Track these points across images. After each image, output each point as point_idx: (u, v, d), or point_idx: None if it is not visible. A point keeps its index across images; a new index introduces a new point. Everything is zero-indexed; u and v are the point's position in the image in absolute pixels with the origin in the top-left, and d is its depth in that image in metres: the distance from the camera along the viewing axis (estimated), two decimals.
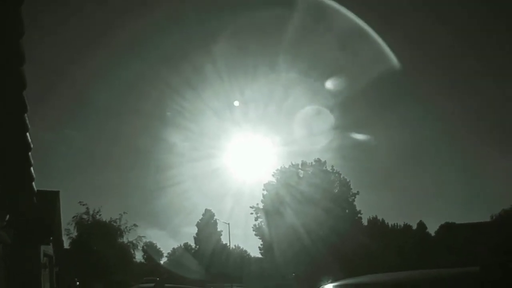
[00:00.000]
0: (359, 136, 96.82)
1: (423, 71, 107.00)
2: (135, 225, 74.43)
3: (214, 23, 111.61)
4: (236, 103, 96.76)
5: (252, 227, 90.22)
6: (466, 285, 5.05)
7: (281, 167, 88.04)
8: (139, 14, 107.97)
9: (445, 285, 5.09)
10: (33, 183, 12.42)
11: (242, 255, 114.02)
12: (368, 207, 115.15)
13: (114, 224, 72.12)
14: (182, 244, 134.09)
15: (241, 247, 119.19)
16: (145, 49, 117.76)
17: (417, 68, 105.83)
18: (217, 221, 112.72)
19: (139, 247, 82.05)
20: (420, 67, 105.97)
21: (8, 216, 14.13)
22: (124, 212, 73.42)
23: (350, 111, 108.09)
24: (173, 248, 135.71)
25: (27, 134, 9.57)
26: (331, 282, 6.20)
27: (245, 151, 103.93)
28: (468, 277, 5.30)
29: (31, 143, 9.91)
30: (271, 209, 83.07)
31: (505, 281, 5.01)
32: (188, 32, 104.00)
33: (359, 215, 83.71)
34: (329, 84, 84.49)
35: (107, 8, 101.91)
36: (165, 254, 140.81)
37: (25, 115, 8.88)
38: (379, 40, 67.29)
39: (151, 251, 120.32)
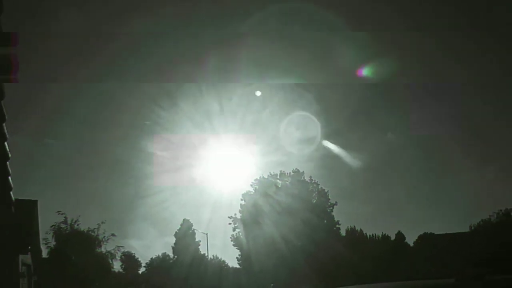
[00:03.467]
0: (337, 147, 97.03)
1: (402, 79, 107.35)
2: (113, 234, 74.13)
3: (192, 32, 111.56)
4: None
5: (230, 237, 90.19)
6: None
7: (259, 177, 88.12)
8: (119, 23, 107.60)
9: None
10: (11, 192, 12.39)
11: (221, 266, 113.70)
12: (346, 218, 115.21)
13: (92, 233, 71.81)
14: (160, 254, 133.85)
15: (220, 258, 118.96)
16: (124, 59, 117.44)
17: (396, 76, 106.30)
18: (195, 231, 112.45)
19: (117, 257, 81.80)
20: (400, 75, 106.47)
21: None
22: (102, 222, 73.11)
23: (328, 120, 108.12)
24: (151, 258, 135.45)
25: (5, 143, 9.55)
26: None
27: (224, 161, 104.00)
28: None
29: (9, 153, 9.90)
30: (249, 219, 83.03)
31: None
32: (166, 41, 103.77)
33: (337, 226, 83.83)
34: (308, 93, 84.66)
35: (87, 16, 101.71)
36: (143, 264, 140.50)
37: (3, 124, 8.87)
38: (360, 47, 67.42)
39: (129, 261, 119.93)
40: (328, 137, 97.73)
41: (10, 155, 10.04)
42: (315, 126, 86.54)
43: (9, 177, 11.25)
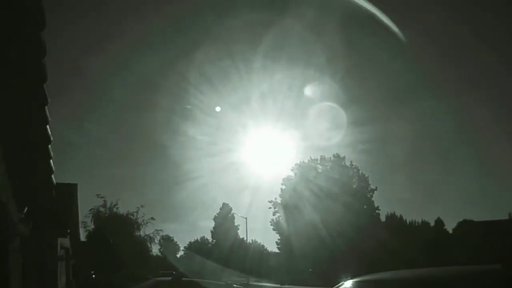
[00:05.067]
0: (377, 131, 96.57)
1: (440, 66, 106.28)
2: (152, 218, 74.60)
3: (232, 19, 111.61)
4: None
5: (270, 222, 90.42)
6: (488, 282, 5.00)
7: (299, 161, 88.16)
8: (157, 8, 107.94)
9: (467, 282, 5.03)
10: (52, 175, 12.45)
11: (260, 250, 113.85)
12: (386, 203, 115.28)
13: (131, 217, 72.32)
14: (199, 238, 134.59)
15: (259, 242, 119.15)
16: (164, 44, 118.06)
17: (434, 63, 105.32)
18: (235, 215, 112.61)
19: (156, 241, 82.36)
20: (437, 62, 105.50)
21: (26, 208, 14.15)
22: (141, 206, 73.59)
23: (368, 105, 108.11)
24: (190, 242, 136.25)
25: (48, 126, 9.59)
26: (351, 278, 6.16)
27: (263, 145, 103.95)
28: (489, 274, 5.25)
29: (51, 136, 9.93)
30: (290, 204, 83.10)
31: None
32: (206, 27, 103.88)
33: (377, 211, 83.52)
34: (346, 79, 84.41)
35: (125, 3, 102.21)
36: (182, 248, 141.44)
37: (46, 107, 8.90)
38: (394, 35, 66.84)
39: (168, 245, 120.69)
40: (368, 122, 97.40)
41: (52, 138, 10.08)
42: (354, 111, 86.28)
43: (51, 160, 11.30)
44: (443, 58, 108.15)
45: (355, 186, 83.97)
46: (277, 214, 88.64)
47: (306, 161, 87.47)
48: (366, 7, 60.83)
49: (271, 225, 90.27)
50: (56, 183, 13.38)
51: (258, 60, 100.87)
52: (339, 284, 6.01)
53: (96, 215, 68.80)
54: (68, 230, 32.07)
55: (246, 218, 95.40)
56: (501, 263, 5.21)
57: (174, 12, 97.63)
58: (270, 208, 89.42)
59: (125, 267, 64.98)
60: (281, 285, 71.75)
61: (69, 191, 35.07)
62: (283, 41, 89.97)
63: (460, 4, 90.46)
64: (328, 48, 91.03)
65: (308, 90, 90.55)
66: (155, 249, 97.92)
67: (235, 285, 61.98)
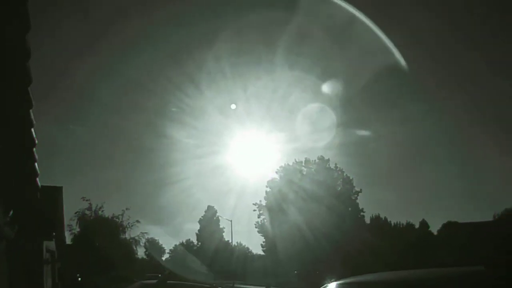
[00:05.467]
0: (362, 133, 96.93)
1: (426, 68, 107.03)
2: (137, 221, 74.63)
3: (218, 21, 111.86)
4: (233, 106, 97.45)
5: (255, 224, 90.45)
6: (472, 284, 5.05)
7: (284, 164, 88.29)
8: (143, 11, 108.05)
9: (451, 284, 5.08)
10: (37, 178, 12.43)
11: (245, 252, 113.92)
12: (370, 205, 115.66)
13: (117, 220, 72.32)
14: (184, 241, 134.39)
15: (244, 244, 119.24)
16: (149, 46, 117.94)
17: (419, 65, 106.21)
18: (220, 218, 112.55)
19: (141, 244, 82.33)
20: (423, 64, 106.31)
21: (12, 211, 14.14)
22: (126, 208, 73.64)
23: (353, 108, 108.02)
24: (175, 245, 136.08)
25: (32, 129, 9.57)
26: (335, 281, 6.20)
27: (248, 148, 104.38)
28: (473, 276, 5.30)
29: (35, 139, 9.92)
30: (274, 206, 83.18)
31: (509, 280, 5.00)
32: (191, 29, 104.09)
33: (362, 213, 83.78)
34: (332, 81, 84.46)
35: (111, 5, 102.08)
36: (167, 251, 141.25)
37: (30, 110, 8.89)
38: (381, 37, 67.08)
39: (153, 247, 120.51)
40: (353, 124, 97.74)
41: (36, 141, 10.07)
42: (339, 114, 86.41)
43: (36, 163, 11.29)
44: (428, 59, 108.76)
45: (339, 188, 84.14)
46: (262, 217, 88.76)
47: (291, 163, 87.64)
48: (350, 9, 61.19)
49: (256, 227, 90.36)
50: (41, 186, 13.36)
51: (244, 62, 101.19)
52: (323, 286, 6.04)
53: (82, 218, 68.74)
54: (54, 233, 31.96)
55: (231, 221, 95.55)
56: (485, 264, 5.27)
57: (160, 14, 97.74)
58: (255, 210, 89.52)
59: (111, 269, 64.92)
60: (266, 287, 71.81)
61: (54, 194, 35.08)
62: (268, 44, 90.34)
63: (446, 5, 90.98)
64: (313, 50, 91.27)
65: (294, 92, 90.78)
66: (140, 252, 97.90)
67: None
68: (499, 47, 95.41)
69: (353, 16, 64.06)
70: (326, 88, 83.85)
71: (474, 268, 5.47)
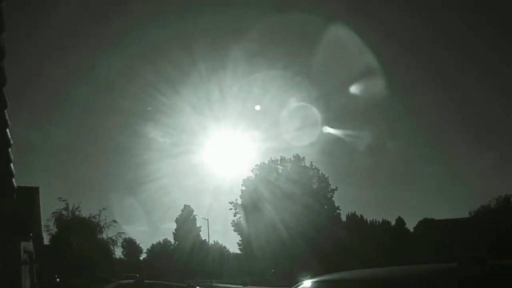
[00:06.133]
0: (339, 132, 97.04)
1: (403, 66, 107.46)
2: (114, 221, 74.30)
3: (193, 21, 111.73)
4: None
5: (231, 223, 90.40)
6: (445, 281, 5.10)
7: (260, 162, 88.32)
8: (118, 10, 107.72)
9: (424, 281, 5.14)
10: (13, 179, 12.39)
11: (221, 251, 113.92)
12: (346, 203, 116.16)
13: (94, 220, 71.98)
14: (161, 240, 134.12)
15: (220, 243, 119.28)
16: (124, 46, 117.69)
17: (397, 63, 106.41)
18: (196, 217, 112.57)
19: (118, 243, 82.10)
20: (400, 62, 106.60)
21: None
22: (103, 208, 73.29)
23: (329, 106, 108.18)
24: (153, 244, 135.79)
25: (7, 130, 9.54)
26: (310, 278, 6.22)
27: (224, 147, 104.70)
28: (446, 273, 5.35)
29: (11, 139, 9.88)
30: (250, 205, 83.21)
31: (483, 277, 5.06)
32: (167, 29, 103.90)
33: (337, 211, 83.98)
34: (309, 80, 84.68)
35: (86, 5, 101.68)
36: (144, 250, 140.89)
37: (5, 111, 8.85)
38: (359, 35, 67.35)
39: (130, 247, 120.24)
40: (328, 123, 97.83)
41: (12, 142, 10.02)
42: (315, 113, 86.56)
43: (11, 164, 11.23)
44: (405, 59, 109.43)
45: (315, 186, 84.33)
46: (238, 215, 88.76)
47: (266, 162, 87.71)
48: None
49: (232, 226, 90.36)
50: (18, 186, 13.32)
51: (219, 61, 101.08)
52: (297, 284, 6.08)
53: (59, 218, 68.35)
54: (31, 234, 31.86)
55: (207, 220, 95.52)
56: (459, 261, 5.33)
57: (136, 13, 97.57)
58: (231, 209, 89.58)
59: (89, 270, 64.64)
60: (243, 286, 71.80)
61: (30, 195, 34.82)
62: (244, 42, 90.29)
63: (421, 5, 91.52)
64: (290, 49, 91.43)
65: (270, 91, 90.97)
66: (118, 252, 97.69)
67: (197, 287, 61.99)
68: (479, 47, 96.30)
69: (329, 16, 64.26)
70: (303, 87, 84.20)
71: (448, 265, 5.52)
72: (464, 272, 5.20)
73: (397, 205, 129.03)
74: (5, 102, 8.66)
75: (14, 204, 15.21)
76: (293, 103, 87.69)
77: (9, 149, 10.47)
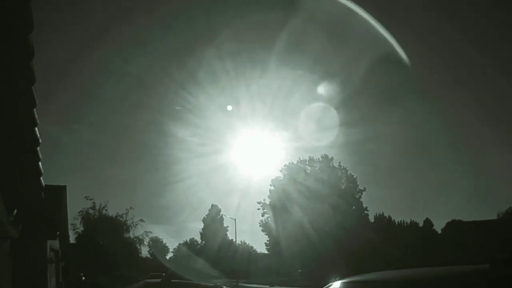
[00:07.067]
0: (366, 132, 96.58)
1: (429, 66, 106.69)
2: (141, 220, 74.70)
3: (221, 20, 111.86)
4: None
5: (259, 223, 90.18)
6: (476, 282, 5.04)
7: (288, 163, 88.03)
8: (147, 9, 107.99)
9: (455, 282, 5.07)
10: (41, 177, 12.44)
11: (249, 251, 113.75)
12: (374, 204, 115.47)
13: (121, 219, 72.35)
14: (188, 240, 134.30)
15: (248, 243, 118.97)
16: (152, 45, 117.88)
17: (423, 63, 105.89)
18: (224, 216, 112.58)
19: (145, 243, 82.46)
20: (426, 62, 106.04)
21: (15, 211, 14.14)
22: (130, 207, 73.67)
23: (356, 106, 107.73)
24: (179, 244, 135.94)
25: (36, 128, 9.57)
26: (339, 279, 6.18)
27: (252, 146, 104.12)
28: (478, 274, 5.28)
29: (39, 138, 9.91)
30: (278, 205, 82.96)
31: None
32: (195, 28, 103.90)
33: (365, 212, 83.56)
34: (334, 79, 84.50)
35: (114, 4, 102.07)
36: (171, 250, 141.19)
37: (34, 109, 8.88)
38: (385, 36, 66.92)
39: (157, 246, 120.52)
40: (356, 123, 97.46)
41: (40, 140, 10.06)
42: (343, 112, 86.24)
43: (40, 163, 11.28)
44: (431, 58, 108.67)
45: (343, 187, 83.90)
46: (266, 215, 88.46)
47: (294, 162, 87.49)
48: (349, 6, 61.04)
49: (260, 226, 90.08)
50: (45, 185, 13.38)
51: (247, 61, 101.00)
52: (327, 285, 6.03)
53: (85, 217, 68.78)
54: (58, 232, 32.01)
55: (235, 220, 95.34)
56: (489, 262, 5.25)
57: (165, 12, 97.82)
58: (258, 209, 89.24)
59: (115, 268, 64.91)
60: (270, 286, 71.72)
61: (58, 193, 35.00)
62: (270, 43, 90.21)
63: (447, 5, 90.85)
64: (315, 49, 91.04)
65: (297, 91, 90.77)
66: (144, 251, 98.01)
67: (224, 287, 61.99)
68: (505, 45, 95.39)
69: (353, 13, 63.85)
70: (328, 86, 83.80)
71: (478, 266, 5.45)
72: (495, 273, 5.14)
73: (425, 206, 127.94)
74: (34, 101, 8.69)
75: (42, 203, 15.28)
76: (321, 103, 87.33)
77: (38, 148, 10.51)
